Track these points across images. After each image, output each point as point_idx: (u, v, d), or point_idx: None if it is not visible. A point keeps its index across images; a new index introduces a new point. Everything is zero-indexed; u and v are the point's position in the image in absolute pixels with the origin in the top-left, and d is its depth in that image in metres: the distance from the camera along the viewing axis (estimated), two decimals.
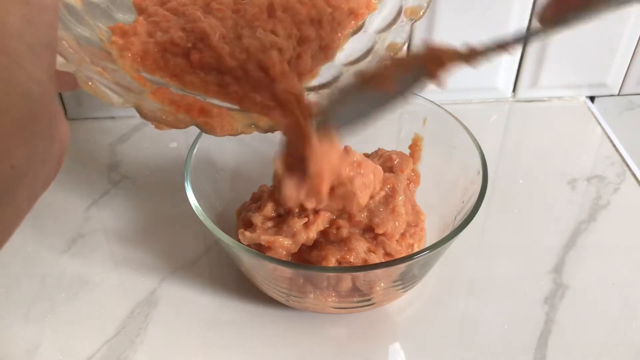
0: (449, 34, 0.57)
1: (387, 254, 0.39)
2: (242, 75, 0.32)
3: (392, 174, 0.43)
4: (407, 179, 0.44)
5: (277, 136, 0.52)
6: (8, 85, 0.20)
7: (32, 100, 0.21)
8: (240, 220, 0.43)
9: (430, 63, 0.31)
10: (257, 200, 0.44)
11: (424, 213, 0.44)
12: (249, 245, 0.39)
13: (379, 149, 0.46)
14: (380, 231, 0.39)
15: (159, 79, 0.32)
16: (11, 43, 0.20)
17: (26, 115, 0.21)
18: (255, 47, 0.32)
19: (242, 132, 0.31)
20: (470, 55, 0.31)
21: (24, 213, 0.23)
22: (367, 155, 0.46)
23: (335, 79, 0.35)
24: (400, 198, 0.41)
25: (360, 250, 0.38)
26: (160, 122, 0.29)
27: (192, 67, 0.32)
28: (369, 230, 0.40)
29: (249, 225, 0.42)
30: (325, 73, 0.36)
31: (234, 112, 0.32)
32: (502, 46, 0.30)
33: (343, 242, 0.39)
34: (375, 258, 0.39)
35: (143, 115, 0.29)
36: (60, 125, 0.23)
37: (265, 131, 0.32)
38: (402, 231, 0.41)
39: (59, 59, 0.26)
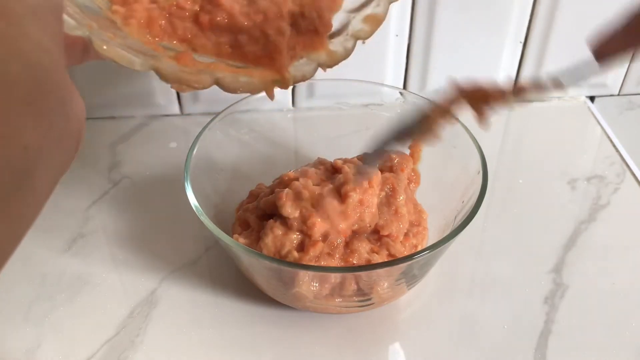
0: (449, 34, 0.57)
1: (390, 255, 0.39)
2: (260, 37, 0.31)
3: (392, 173, 0.43)
4: (407, 179, 0.44)
5: (277, 136, 0.52)
6: (11, 54, 0.18)
7: (40, 71, 0.19)
8: (237, 219, 0.43)
9: (476, 101, 0.32)
10: (255, 199, 0.44)
11: (425, 212, 0.44)
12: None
13: None
14: (385, 233, 0.40)
15: (169, 45, 0.31)
16: (13, 7, 0.18)
17: (34, 89, 0.18)
18: (274, 13, 0.31)
19: (263, 89, 0.30)
20: (517, 93, 0.32)
21: (44, 199, 0.21)
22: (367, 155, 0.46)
23: (345, 26, 0.35)
24: (401, 198, 0.41)
25: (362, 251, 0.38)
26: (181, 83, 0.28)
27: (202, 30, 0.31)
28: (374, 232, 0.40)
29: (245, 225, 0.42)
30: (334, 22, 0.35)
31: (252, 70, 0.31)
32: (552, 85, 0.30)
33: (345, 244, 0.39)
34: (379, 259, 0.39)
35: (163, 77, 0.28)
36: (75, 100, 0.21)
37: (287, 87, 0.31)
38: (405, 231, 0.41)
39: (70, 22, 0.25)
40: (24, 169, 0.18)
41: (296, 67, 0.32)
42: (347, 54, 0.33)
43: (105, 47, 0.26)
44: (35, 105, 0.18)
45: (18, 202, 0.19)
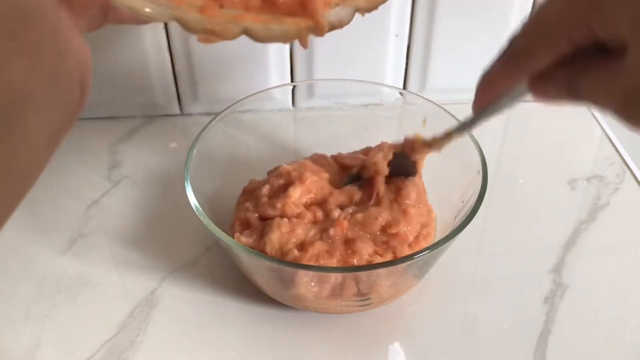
0: (449, 34, 0.57)
1: (395, 258, 0.39)
2: None
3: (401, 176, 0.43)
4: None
5: (277, 136, 0.52)
6: None
7: (23, 3, 0.18)
8: (236, 218, 0.43)
9: (408, 150, 0.41)
10: (250, 195, 0.44)
11: (434, 211, 0.44)
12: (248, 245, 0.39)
13: (382, 142, 0.46)
14: (392, 231, 0.39)
15: (194, 2, 0.29)
16: None
17: (17, 20, 0.17)
18: None
19: (296, 37, 0.29)
20: (435, 143, 0.40)
21: (44, 149, 0.19)
22: (369, 149, 0.46)
23: None
24: (410, 198, 0.41)
25: (364, 253, 0.38)
26: (207, 33, 0.27)
27: None
28: (382, 231, 0.40)
29: (245, 224, 0.42)
30: None
31: (283, 19, 0.30)
32: (456, 133, 0.39)
33: (347, 244, 0.39)
34: (381, 260, 0.38)
35: (187, 26, 0.27)
36: (73, 40, 0.20)
37: (323, 33, 0.30)
38: (416, 234, 0.41)
39: None
40: (11, 105, 0.17)
41: (331, 14, 0.31)
42: None
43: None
44: (19, 39, 0.18)
45: (10, 147, 0.18)
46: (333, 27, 0.30)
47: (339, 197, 0.42)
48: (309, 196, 0.42)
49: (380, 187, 0.41)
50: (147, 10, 0.25)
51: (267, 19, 0.29)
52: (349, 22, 0.31)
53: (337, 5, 0.32)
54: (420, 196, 0.43)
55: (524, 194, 0.52)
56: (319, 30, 0.30)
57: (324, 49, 0.56)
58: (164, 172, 0.54)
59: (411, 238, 0.40)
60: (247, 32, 0.28)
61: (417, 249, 0.40)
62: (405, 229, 0.40)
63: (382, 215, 0.40)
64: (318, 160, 0.46)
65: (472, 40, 0.58)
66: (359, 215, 0.40)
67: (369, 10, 0.32)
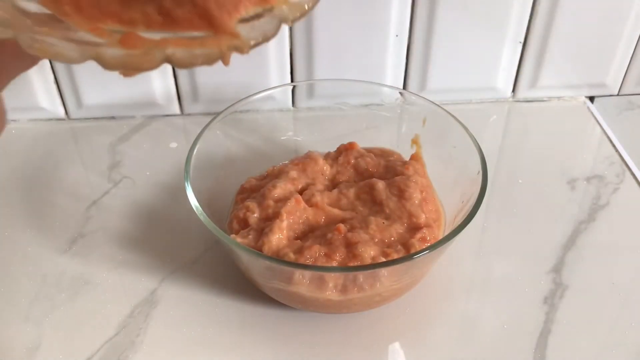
0: (449, 34, 0.57)
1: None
2: None
3: (400, 176, 0.43)
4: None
5: (277, 136, 0.52)
6: None
7: None
8: (234, 217, 0.43)
9: None
10: (249, 193, 0.44)
11: (441, 206, 0.45)
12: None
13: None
14: (418, 235, 0.40)
15: (114, 27, 0.29)
16: None
17: None
18: None
19: (219, 57, 0.29)
20: None
21: None
22: (370, 151, 0.47)
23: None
24: (415, 194, 0.42)
25: (366, 257, 0.38)
26: (127, 68, 0.26)
27: (125, 3, 0.28)
28: (413, 227, 0.41)
29: (243, 224, 0.42)
30: None
31: (206, 39, 0.29)
32: None
33: (347, 245, 0.39)
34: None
35: (106, 64, 0.26)
36: None
37: (246, 49, 0.29)
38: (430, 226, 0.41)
39: None
40: None
41: (255, 27, 0.29)
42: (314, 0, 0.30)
43: (37, 46, 0.24)
44: None
45: None
46: (257, 42, 0.28)
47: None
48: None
49: (381, 193, 0.42)
50: (59, 54, 0.25)
51: (188, 43, 0.29)
52: (274, 35, 0.29)
53: (258, 18, 0.30)
54: (427, 193, 0.43)
55: (524, 194, 0.52)
56: (241, 47, 0.29)
57: (324, 49, 0.56)
58: (164, 172, 0.54)
59: (428, 238, 0.40)
60: (169, 60, 0.27)
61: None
62: (427, 217, 0.41)
63: (394, 224, 0.40)
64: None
65: (472, 40, 0.58)
66: (372, 226, 0.40)
67: (295, 19, 0.30)
